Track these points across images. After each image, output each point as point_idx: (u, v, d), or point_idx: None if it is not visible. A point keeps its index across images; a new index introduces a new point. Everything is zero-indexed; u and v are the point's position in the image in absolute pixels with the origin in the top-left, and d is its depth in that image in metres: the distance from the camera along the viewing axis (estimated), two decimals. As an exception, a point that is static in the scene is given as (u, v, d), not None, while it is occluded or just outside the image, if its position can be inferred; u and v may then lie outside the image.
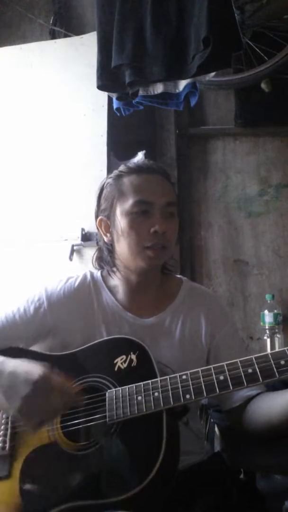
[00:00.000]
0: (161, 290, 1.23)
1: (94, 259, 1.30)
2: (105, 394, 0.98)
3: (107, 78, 1.91)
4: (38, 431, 0.95)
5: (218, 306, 1.25)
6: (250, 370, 0.91)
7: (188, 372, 0.95)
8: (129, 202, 1.13)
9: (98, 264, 1.29)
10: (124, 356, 1.03)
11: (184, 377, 0.94)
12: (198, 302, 1.22)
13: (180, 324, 1.18)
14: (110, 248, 1.21)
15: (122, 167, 1.21)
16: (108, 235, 1.19)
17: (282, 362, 0.89)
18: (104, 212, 1.20)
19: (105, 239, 1.21)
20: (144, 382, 0.96)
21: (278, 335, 2.09)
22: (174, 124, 2.39)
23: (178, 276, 1.32)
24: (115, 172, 1.22)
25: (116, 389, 0.98)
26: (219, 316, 1.21)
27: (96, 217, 1.25)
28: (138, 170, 1.18)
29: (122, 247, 1.15)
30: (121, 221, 1.13)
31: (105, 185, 1.22)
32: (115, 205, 1.16)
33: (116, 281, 1.22)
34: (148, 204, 1.12)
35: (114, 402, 0.96)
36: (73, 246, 2.16)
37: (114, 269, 1.20)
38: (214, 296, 1.29)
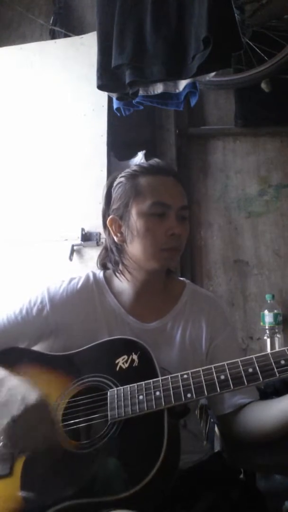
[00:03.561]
0: (165, 293, 1.23)
1: (99, 259, 1.29)
2: (106, 394, 0.98)
3: (107, 78, 1.91)
4: (9, 460, 0.95)
5: (219, 310, 1.25)
6: (250, 370, 0.91)
7: (189, 371, 0.95)
8: (146, 203, 1.11)
9: (102, 265, 1.28)
10: (125, 356, 1.03)
11: (185, 376, 0.95)
12: (199, 307, 1.22)
13: (181, 329, 1.18)
14: (120, 248, 1.19)
15: (135, 167, 1.19)
16: (119, 235, 1.17)
17: (282, 361, 0.90)
18: (117, 211, 1.17)
19: (116, 239, 1.18)
20: (145, 381, 0.96)
21: (278, 335, 2.10)
22: (174, 124, 2.39)
23: (181, 278, 1.33)
24: (128, 171, 1.19)
25: (118, 388, 0.98)
26: (219, 320, 1.21)
27: (104, 216, 1.22)
28: (154, 171, 1.16)
29: (136, 248, 1.13)
30: (137, 222, 1.12)
31: (116, 184, 1.20)
32: (131, 205, 1.13)
33: (121, 282, 1.20)
34: (165, 206, 1.11)
35: (116, 401, 0.96)
36: (73, 246, 2.16)
37: (121, 269, 1.19)
38: (215, 300, 1.29)
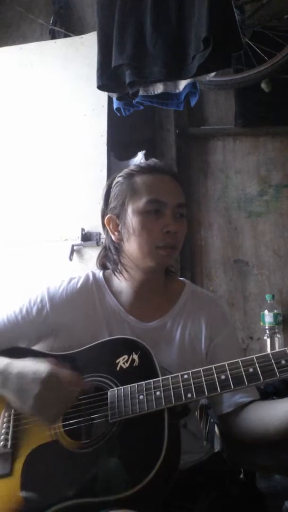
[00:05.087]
0: (164, 292, 1.23)
1: (98, 259, 1.29)
2: (107, 393, 0.99)
3: (107, 78, 1.91)
4: (55, 424, 0.98)
5: (218, 309, 1.25)
6: (251, 370, 0.91)
7: (189, 371, 0.95)
8: (142, 201, 1.12)
9: (101, 264, 1.28)
10: (126, 356, 1.03)
11: (185, 376, 0.94)
12: (199, 306, 1.22)
13: (181, 328, 1.18)
14: (118, 247, 1.20)
15: (133, 167, 1.20)
16: (117, 233, 1.18)
17: (283, 361, 0.90)
18: (114, 210, 1.18)
19: (113, 237, 1.19)
20: (146, 381, 0.96)
21: (278, 335, 2.10)
22: (174, 124, 2.40)
23: (181, 278, 1.33)
24: (126, 171, 1.20)
25: (118, 388, 0.98)
26: (219, 319, 1.21)
27: (103, 215, 1.23)
28: (150, 169, 1.17)
29: (133, 246, 1.14)
30: (132, 220, 1.12)
31: (114, 183, 1.21)
32: (127, 204, 1.14)
33: (120, 281, 1.21)
34: (161, 203, 1.12)
35: (116, 401, 0.96)
36: (73, 246, 2.16)
37: (120, 268, 1.19)
38: (215, 299, 1.29)
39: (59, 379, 0.95)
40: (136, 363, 1.01)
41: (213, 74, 1.87)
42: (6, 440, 1.01)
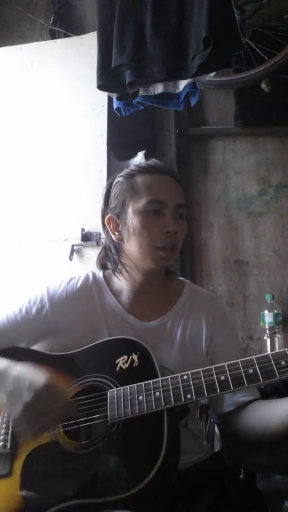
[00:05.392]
0: (164, 292, 1.23)
1: (98, 259, 1.29)
2: (106, 394, 0.99)
3: (107, 78, 1.91)
4: (36, 438, 0.96)
5: (218, 309, 1.25)
6: (251, 371, 0.91)
7: (189, 372, 0.95)
8: (142, 201, 1.12)
9: (101, 264, 1.28)
10: (125, 357, 1.03)
11: (185, 377, 0.94)
12: (199, 305, 1.22)
13: (181, 328, 1.18)
14: (118, 247, 1.20)
15: (133, 167, 1.20)
16: (117, 233, 1.18)
17: (283, 362, 0.90)
18: (114, 210, 1.18)
19: (113, 237, 1.19)
20: (145, 382, 0.96)
21: (278, 335, 2.10)
22: (174, 124, 2.39)
23: (181, 278, 1.33)
24: (126, 171, 1.21)
25: (118, 388, 0.98)
26: (219, 319, 1.21)
27: (103, 215, 1.23)
28: (150, 170, 1.17)
29: (133, 246, 1.14)
30: (133, 220, 1.12)
31: (114, 183, 1.21)
32: (127, 203, 1.14)
33: (119, 281, 1.21)
34: (161, 203, 1.12)
35: (115, 401, 0.96)
36: (73, 246, 2.16)
37: (120, 268, 1.19)
38: (215, 299, 1.30)
39: (53, 394, 0.94)
40: (135, 364, 1.02)
41: (213, 74, 1.87)
42: (5, 440, 1.01)
